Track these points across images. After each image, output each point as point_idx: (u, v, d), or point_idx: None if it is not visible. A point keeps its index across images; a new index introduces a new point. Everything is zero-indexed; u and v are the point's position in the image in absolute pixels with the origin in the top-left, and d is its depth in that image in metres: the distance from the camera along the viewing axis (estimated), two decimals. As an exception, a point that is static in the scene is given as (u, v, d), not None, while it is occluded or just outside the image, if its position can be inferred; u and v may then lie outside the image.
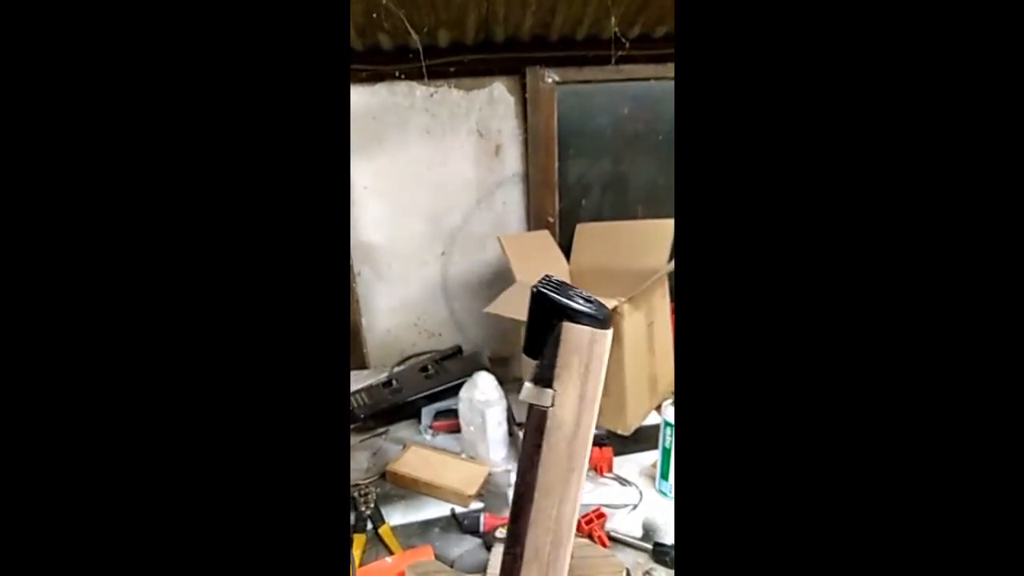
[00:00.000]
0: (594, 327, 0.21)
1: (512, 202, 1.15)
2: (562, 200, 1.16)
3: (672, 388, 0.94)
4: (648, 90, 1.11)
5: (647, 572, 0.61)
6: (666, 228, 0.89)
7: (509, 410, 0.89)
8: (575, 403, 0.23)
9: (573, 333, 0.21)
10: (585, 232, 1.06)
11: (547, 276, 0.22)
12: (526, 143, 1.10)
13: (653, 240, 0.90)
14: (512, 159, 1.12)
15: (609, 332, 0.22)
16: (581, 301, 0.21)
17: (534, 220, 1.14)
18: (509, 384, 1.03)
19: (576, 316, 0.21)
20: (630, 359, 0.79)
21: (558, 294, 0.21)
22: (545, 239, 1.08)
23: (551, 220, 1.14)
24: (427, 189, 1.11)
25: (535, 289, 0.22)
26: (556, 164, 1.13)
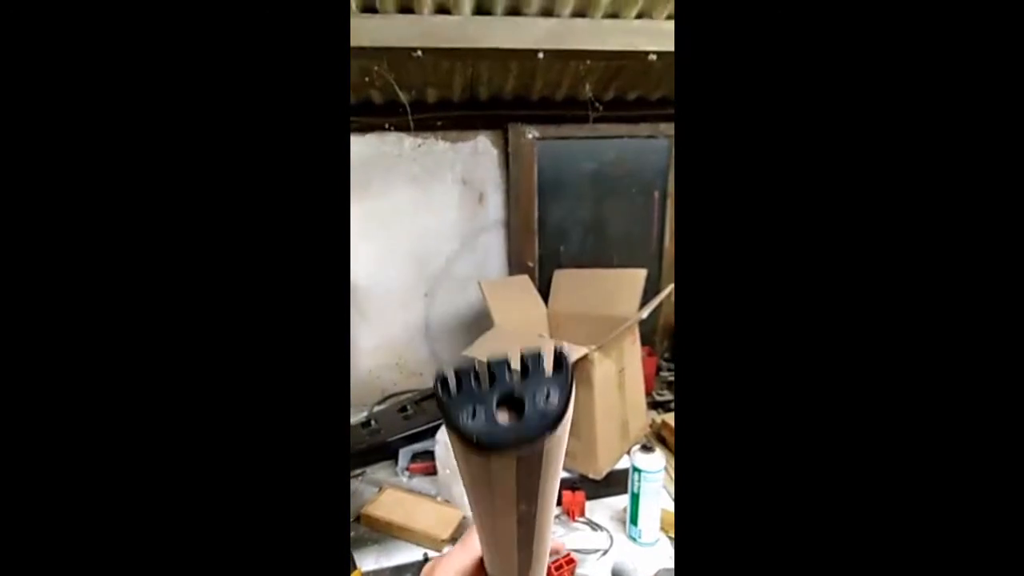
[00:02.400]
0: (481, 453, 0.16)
1: (494, 247, 1.20)
2: (542, 246, 1.22)
3: (642, 433, 0.97)
4: (623, 145, 1.19)
5: (614, 619, 0.62)
6: (638, 277, 0.94)
7: (485, 453, 0.91)
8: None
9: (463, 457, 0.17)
10: (563, 278, 1.11)
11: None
12: (508, 192, 1.17)
13: (626, 288, 0.95)
14: (495, 207, 1.18)
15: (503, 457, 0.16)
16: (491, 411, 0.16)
17: (515, 264, 1.19)
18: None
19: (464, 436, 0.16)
20: (600, 404, 0.83)
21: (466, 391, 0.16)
22: (524, 284, 1.12)
23: (531, 265, 1.19)
24: (412, 233, 1.16)
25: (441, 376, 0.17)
26: (536, 212, 1.19)
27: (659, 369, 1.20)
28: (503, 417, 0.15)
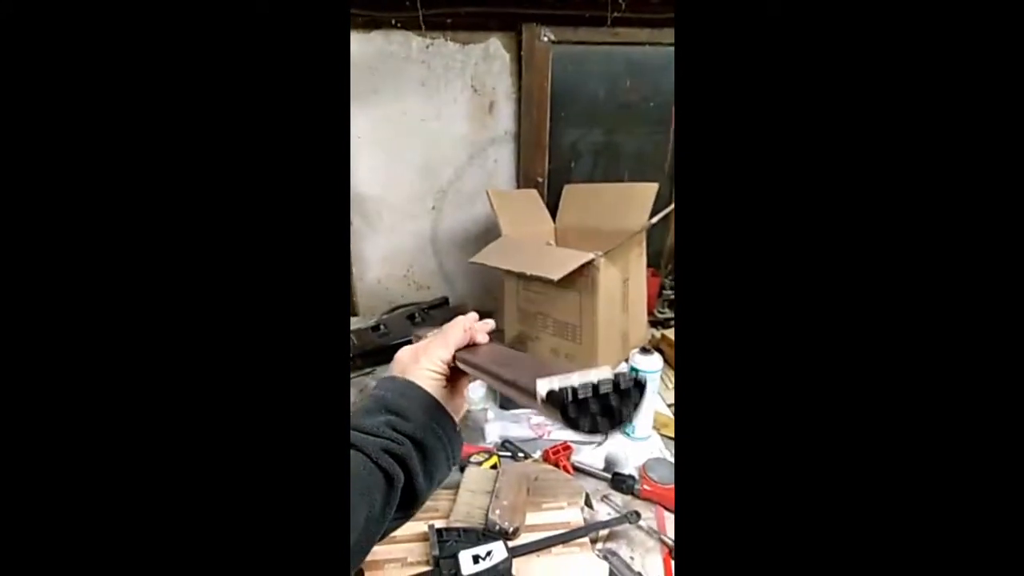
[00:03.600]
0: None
1: (503, 161, 1.18)
2: (552, 161, 1.19)
3: (642, 342, 1.00)
4: (642, 57, 1.12)
5: (604, 496, 0.68)
6: (648, 191, 0.93)
7: (489, 355, 0.95)
8: None
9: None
10: (572, 193, 1.10)
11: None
12: (519, 102, 1.12)
13: (636, 201, 0.94)
14: (505, 117, 1.14)
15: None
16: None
17: (524, 179, 1.17)
18: (492, 335, 1.08)
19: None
20: (603, 310, 0.85)
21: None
22: (533, 198, 1.11)
23: (540, 180, 1.17)
24: (420, 142, 1.13)
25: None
26: (548, 126, 1.15)
27: (662, 288, 1.21)
28: (601, 420, 0.25)
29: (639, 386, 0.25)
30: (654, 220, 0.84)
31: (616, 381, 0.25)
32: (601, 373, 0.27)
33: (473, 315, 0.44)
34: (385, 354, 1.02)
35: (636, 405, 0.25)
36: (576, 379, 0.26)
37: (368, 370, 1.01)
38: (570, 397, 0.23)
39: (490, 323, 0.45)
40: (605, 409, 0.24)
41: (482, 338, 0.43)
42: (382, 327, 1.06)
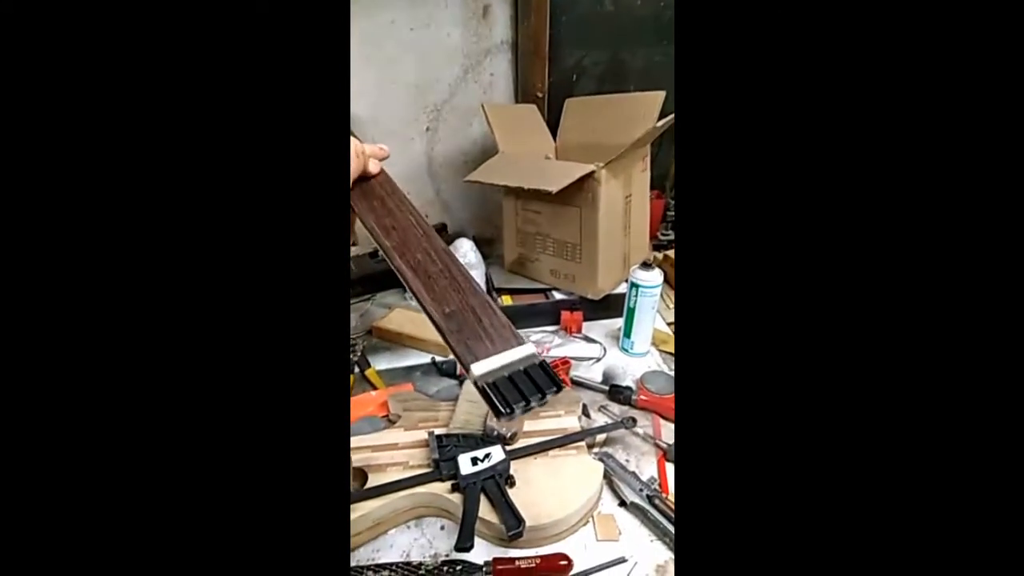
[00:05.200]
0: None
1: (500, 74, 1.10)
2: (552, 76, 1.11)
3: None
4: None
5: (602, 407, 0.69)
6: (655, 99, 0.87)
7: (488, 277, 0.94)
8: None
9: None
10: (574, 106, 1.03)
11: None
12: (516, 5, 1.02)
13: (641, 112, 0.88)
14: (501, 24, 1.05)
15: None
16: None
17: (522, 95, 1.10)
18: (491, 260, 1.07)
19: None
20: (604, 228, 0.82)
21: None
22: (532, 113, 1.05)
23: (540, 95, 1.10)
24: (411, 56, 1.05)
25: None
26: (548, 32, 1.05)
27: (666, 211, 1.17)
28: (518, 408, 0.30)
29: (558, 389, 0.31)
30: (659, 124, 0.78)
31: (539, 381, 0.30)
32: (525, 353, 0.32)
33: (358, 143, 0.41)
34: (383, 279, 1.02)
35: (545, 401, 0.31)
36: (505, 360, 0.31)
37: (368, 296, 1.01)
38: (503, 407, 0.29)
39: (385, 149, 0.42)
40: (526, 406, 0.30)
41: (373, 167, 0.40)
42: (380, 253, 1.04)
